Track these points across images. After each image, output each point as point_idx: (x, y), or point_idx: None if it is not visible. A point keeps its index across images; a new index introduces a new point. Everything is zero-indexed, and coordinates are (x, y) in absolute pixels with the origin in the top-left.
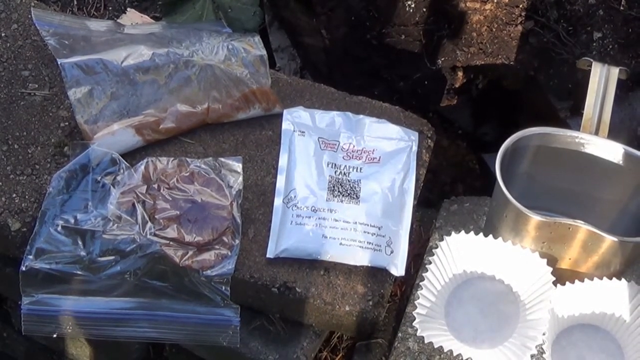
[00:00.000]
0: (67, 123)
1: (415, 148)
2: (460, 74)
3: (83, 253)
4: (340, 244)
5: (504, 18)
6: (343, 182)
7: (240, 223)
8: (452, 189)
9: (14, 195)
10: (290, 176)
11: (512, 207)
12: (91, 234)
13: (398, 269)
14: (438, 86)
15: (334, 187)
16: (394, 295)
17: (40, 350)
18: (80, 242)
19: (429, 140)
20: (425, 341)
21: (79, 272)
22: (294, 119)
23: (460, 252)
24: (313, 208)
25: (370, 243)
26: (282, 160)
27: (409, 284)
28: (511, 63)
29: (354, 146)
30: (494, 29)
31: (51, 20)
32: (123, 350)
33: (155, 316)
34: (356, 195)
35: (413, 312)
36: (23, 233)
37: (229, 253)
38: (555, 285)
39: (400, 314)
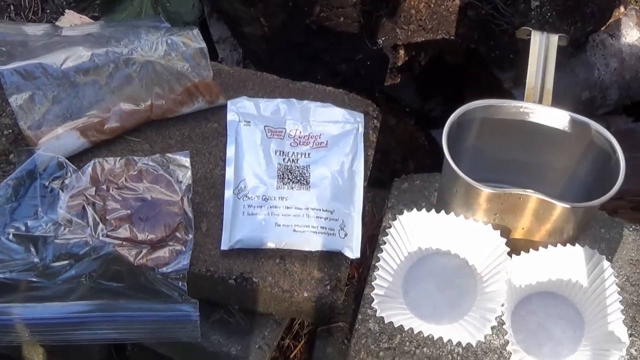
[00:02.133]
0: (10, 130)
1: (361, 129)
2: (401, 52)
3: (36, 260)
4: (294, 230)
5: None
6: (292, 169)
7: (192, 217)
8: (404, 167)
9: None
10: (238, 167)
11: (462, 182)
12: (43, 240)
13: (353, 252)
14: (380, 66)
15: (283, 174)
16: (351, 278)
17: (1, 359)
18: (32, 249)
19: (375, 121)
20: (385, 321)
21: (33, 279)
22: (239, 109)
23: (413, 230)
24: (264, 197)
25: (323, 228)
26: (230, 152)
27: (366, 266)
28: (451, 38)
29: (300, 132)
30: (432, 5)
31: None
32: (84, 354)
33: (114, 317)
34: (306, 181)
35: (371, 293)
36: None
37: (183, 248)
38: (511, 256)
39: (358, 296)
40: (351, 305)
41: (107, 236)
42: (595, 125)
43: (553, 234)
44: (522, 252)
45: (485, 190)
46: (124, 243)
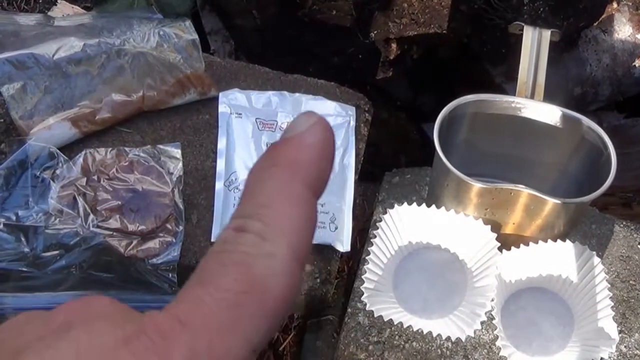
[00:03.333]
0: (2, 120)
1: (353, 123)
2: (394, 45)
3: (27, 249)
4: None
5: None
6: None
7: (182, 209)
8: (395, 161)
9: None
10: (230, 159)
11: (453, 176)
12: (34, 230)
13: (344, 245)
14: (373, 59)
15: None
16: (341, 271)
17: None
18: (23, 239)
19: (367, 114)
20: (375, 315)
21: (24, 269)
22: (230, 101)
23: (404, 224)
24: None
25: None
26: (221, 144)
27: (356, 259)
28: (444, 32)
29: None
30: None
31: None
32: None
33: None
34: None
35: (361, 287)
36: None
37: (174, 240)
38: (501, 251)
39: (348, 289)
40: (341, 299)
41: (98, 227)
42: (586, 121)
43: (544, 230)
44: (513, 248)
45: (476, 185)
46: (115, 234)
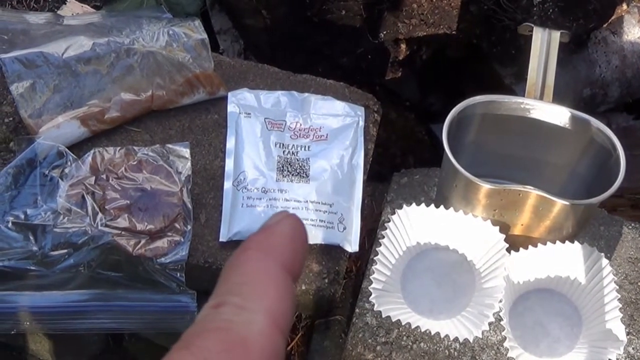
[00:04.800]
0: (11, 118)
1: (362, 123)
2: (403, 46)
3: (35, 248)
4: None
5: None
6: (292, 161)
7: (191, 208)
8: (404, 161)
9: None
10: (238, 159)
11: (462, 177)
12: (42, 229)
13: (352, 245)
14: (382, 60)
15: (283, 167)
16: (349, 271)
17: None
18: (31, 238)
19: (376, 115)
20: (383, 315)
21: (32, 268)
22: (239, 101)
23: (412, 225)
24: (263, 189)
25: (322, 221)
26: (230, 143)
27: (364, 260)
28: (453, 32)
29: (300, 125)
30: (434, 0)
31: None
32: (82, 343)
33: (111, 307)
34: (306, 174)
35: (369, 287)
36: None
37: (182, 239)
38: (509, 252)
39: (356, 289)
40: (349, 299)
41: (106, 226)
42: (596, 122)
43: (552, 231)
44: (521, 249)
45: (485, 186)
46: (123, 233)
